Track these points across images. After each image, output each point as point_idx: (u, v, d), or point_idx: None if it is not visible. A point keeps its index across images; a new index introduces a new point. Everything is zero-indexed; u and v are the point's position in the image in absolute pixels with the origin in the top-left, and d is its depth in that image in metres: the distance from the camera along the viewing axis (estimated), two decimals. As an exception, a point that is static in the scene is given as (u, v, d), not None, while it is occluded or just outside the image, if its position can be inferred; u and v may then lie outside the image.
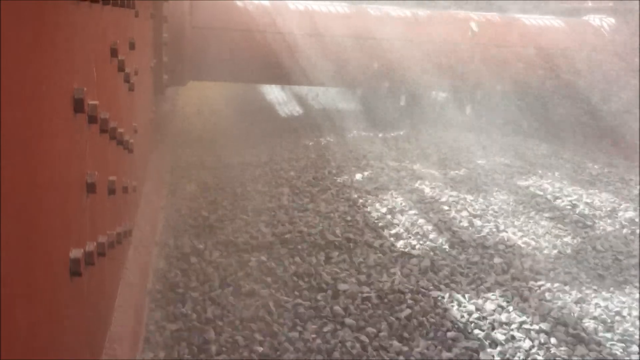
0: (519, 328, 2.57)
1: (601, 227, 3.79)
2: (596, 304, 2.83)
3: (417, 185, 4.30)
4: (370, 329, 2.50)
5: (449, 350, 2.41)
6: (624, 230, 3.75)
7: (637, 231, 3.76)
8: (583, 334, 2.54)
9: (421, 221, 3.63)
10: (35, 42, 0.96)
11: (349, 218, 3.63)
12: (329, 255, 3.16)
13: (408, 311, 2.64)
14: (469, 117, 6.17)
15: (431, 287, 2.88)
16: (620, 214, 4.04)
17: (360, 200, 3.95)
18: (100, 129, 1.59)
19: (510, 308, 2.73)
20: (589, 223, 3.84)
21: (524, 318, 2.64)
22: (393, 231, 3.49)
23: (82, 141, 1.36)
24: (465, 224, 3.66)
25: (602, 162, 5.41)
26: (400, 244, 3.33)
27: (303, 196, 4.00)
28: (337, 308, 2.64)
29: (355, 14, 5.92)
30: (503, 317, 2.65)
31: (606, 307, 2.81)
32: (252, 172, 4.48)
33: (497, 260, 3.21)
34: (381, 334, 2.48)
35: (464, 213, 3.82)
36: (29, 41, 0.92)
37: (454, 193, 4.18)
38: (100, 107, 1.51)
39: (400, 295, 2.77)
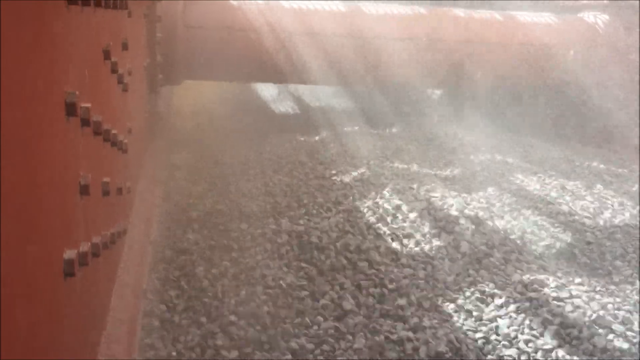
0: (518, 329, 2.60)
1: (595, 224, 3.82)
2: (590, 298, 2.86)
3: (410, 182, 4.32)
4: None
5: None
6: (618, 227, 3.77)
7: (634, 227, 3.80)
8: (576, 332, 2.57)
9: (416, 218, 3.66)
10: (26, 46, 0.97)
11: (343, 216, 3.65)
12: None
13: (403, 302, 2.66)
14: (463, 115, 6.18)
15: (425, 285, 2.90)
16: (614, 210, 4.07)
17: (353, 198, 3.97)
18: (94, 131, 1.60)
19: (511, 308, 2.75)
20: (583, 220, 3.87)
21: (523, 319, 2.67)
22: (387, 229, 3.51)
23: (75, 144, 1.37)
24: (458, 219, 3.68)
25: (596, 159, 5.44)
26: (394, 242, 3.35)
27: (297, 194, 4.01)
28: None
29: (348, 12, 5.93)
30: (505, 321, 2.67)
31: (600, 303, 2.84)
32: (246, 171, 4.49)
33: (493, 256, 3.23)
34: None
35: (459, 209, 3.84)
36: (21, 46, 0.93)
37: (448, 190, 4.20)
38: (94, 110, 1.52)
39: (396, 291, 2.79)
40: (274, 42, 5.58)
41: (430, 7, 6.35)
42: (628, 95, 6.02)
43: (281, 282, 2.86)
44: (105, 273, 1.92)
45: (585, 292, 2.92)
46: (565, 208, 4.05)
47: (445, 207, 3.87)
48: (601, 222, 3.85)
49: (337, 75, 5.74)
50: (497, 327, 2.58)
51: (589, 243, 3.52)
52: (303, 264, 3.05)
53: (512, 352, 2.43)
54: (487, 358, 2.39)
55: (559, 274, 3.09)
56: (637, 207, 4.13)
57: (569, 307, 2.75)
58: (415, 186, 4.21)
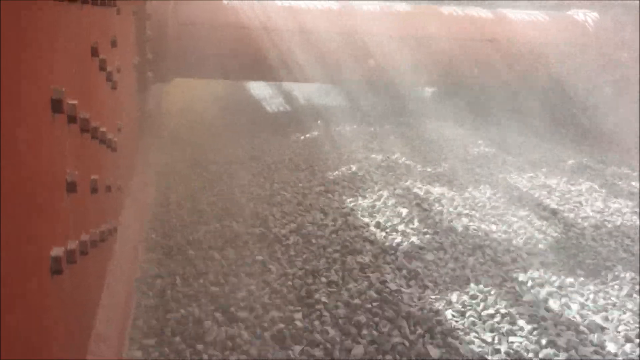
0: (502, 319, 2.61)
1: (585, 222, 3.84)
2: (579, 293, 2.88)
3: (402, 179, 4.33)
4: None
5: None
6: (609, 226, 3.80)
7: (624, 226, 3.82)
8: (566, 328, 2.58)
9: (407, 214, 3.66)
10: (11, 41, 0.96)
11: (335, 214, 3.65)
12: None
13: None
14: (452, 112, 6.20)
15: (413, 283, 2.91)
16: (604, 208, 4.10)
17: (345, 196, 3.97)
18: (81, 128, 1.59)
19: (493, 299, 2.76)
20: (572, 217, 3.89)
21: (506, 309, 2.68)
22: (377, 226, 3.51)
23: (61, 141, 1.36)
24: (450, 217, 3.69)
25: (585, 156, 5.47)
26: (386, 238, 3.36)
27: (289, 193, 4.01)
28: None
29: (341, 10, 5.93)
30: (489, 310, 2.68)
31: (589, 300, 2.85)
32: (238, 169, 4.48)
33: (483, 252, 3.24)
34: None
35: (449, 207, 3.85)
36: (5, 41, 0.92)
37: (439, 187, 4.22)
38: (81, 107, 1.51)
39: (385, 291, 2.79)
40: (266, 39, 5.57)
41: (422, 5, 6.36)
42: (618, 93, 6.06)
43: (276, 283, 2.86)
44: (94, 271, 1.91)
45: (575, 290, 2.94)
46: (554, 205, 4.07)
47: (436, 203, 3.89)
48: (591, 220, 3.87)
49: (329, 73, 5.74)
50: (483, 322, 2.59)
51: (578, 240, 3.54)
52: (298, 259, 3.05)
53: (503, 347, 2.44)
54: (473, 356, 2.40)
55: (548, 272, 3.10)
56: (628, 205, 4.16)
57: (558, 305, 2.77)
58: (406, 183, 4.23)
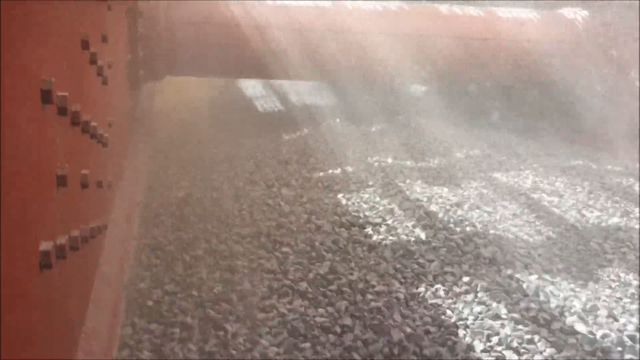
0: (493, 317, 2.61)
1: (576, 219, 3.85)
2: (571, 290, 2.88)
3: (393, 176, 4.33)
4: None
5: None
6: (603, 223, 3.81)
7: (614, 224, 3.84)
8: (559, 325, 2.59)
9: (398, 212, 3.66)
10: (0, 33, 0.94)
11: (326, 213, 3.64)
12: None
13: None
14: (445, 110, 6.21)
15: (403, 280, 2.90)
16: (595, 206, 4.12)
17: (339, 195, 3.96)
18: (72, 121, 1.57)
19: (485, 299, 2.76)
20: (563, 215, 3.91)
21: (500, 309, 2.68)
22: (371, 225, 3.51)
23: (51, 133, 1.34)
24: (442, 215, 3.69)
25: (576, 154, 5.50)
26: (378, 237, 3.35)
27: (280, 191, 4.00)
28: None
29: (333, 8, 5.92)
30: (479, 307, 2.68)
31: (580, 297, 2.86)
32: (229, 167, 4.47)
33: (474, 249, 3.24)
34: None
35: (442, 205, 3.85)
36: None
37: (432, 185, 4.22)
38: (71, 100, 1.49)
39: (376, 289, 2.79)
40: (258, 38, 5.55)
41: (415, 4, 6.37)
42: (609, 91, 6.09)
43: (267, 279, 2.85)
44: (84, 267, 1.89)
45: (565, 286, 2.95)
46: (546, 203, 4.08)
47: (428, 201, 3.89)
48: (582, 218, 3.88)
49: (322, 71, 5.73)
50: (474, 318, 2.59)
51: (569, 238, 3.55)
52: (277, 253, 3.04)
53: (495, 340, 2.44)
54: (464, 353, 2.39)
55: (539, 269, 3.11)
56: (620, 203, 4.19)
57: (548, 301, 2.77)
58: (398, 181, 4.23)
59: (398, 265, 3.02)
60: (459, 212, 3.76)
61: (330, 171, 4.45)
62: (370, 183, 4.21)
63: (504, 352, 2.39)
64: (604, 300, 2.82)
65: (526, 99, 6.28)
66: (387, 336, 2.41)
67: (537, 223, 3.72)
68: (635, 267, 3.20)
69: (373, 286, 2.80)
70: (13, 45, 1.02)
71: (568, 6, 6.53)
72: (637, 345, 2.46)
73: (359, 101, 6.27)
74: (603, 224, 3.77)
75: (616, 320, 2.64)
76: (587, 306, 2.73)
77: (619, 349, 2.44)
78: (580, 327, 2.56)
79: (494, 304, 2.69)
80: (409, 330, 2.47)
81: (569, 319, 2.62)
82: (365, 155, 4.91)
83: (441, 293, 2.78)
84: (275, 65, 5.53)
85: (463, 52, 5.99)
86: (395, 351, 2.35)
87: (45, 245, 1.21)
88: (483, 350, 2.39)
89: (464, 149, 5.30)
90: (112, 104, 2.79)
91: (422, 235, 3.38)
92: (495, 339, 2.45)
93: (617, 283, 3.02)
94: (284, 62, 5.52)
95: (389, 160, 4.76)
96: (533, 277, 2.98)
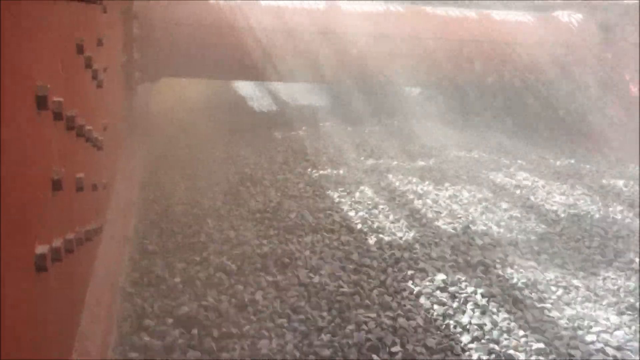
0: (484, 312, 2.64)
1: (567, 218, 3.88)
2: (565, 288, 2.91)
3: (387, 176, 4.36)
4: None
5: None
6: (595, 222, 3.84)
7: (604, 221, 3.87)
8: (553, 322, 2.62)
9: (392, 211, 3.69)
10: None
11: (319, 212, 3.66)
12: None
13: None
14: (439, 111, 6.24)
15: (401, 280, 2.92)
16: (586, 205, 4.15)
17: (333, 194, 3.98)
18: (67, 126, 1.58)
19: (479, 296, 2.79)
20: (554, 214, 3.94)
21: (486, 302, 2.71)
22: (364, 225, 3.53)
23: (47, 138, 1.36)
24: (433, 212, 3.72)
25: (570, 156, 5.54)
26: (373, 237, 3.37)
27: (274, 191, 4.01)
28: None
29: (327, 10, 5.94)
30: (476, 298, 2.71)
31: (573, 294, 2.89)
32: (223, 168, 4.48)
33: (468, 248, 3.27)
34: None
35: (434, 204, 3.88)
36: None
37: (424, 186, 4.25)
38: (67, 104, 1.51)
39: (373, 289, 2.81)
40: (253, 39, 5.57)
41: (408, 5, 6.39)
42: (602, 94, 6.13)
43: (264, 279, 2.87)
44: (80, 270, 1.90)
45: (557, 283, 2.98)
46: (536, 202, 4.12)
47: (421, 200, 3.92)
48: (574, 217, 3.91)
49: (316, 72, 5.75)
50: (469, 316, 2.61)
51: (559, 236, 3.59)
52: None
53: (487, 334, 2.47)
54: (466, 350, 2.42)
55: (531, 266, 3.14)
56: (613, 204, 4.22)
57: (541, 299, 2.80)
58: (391, 181, 4.25)
59: (388, 263, 3.04)
60: (451, 210, 3.79)
61: (322, 171, 4.47)
62: (364, 183, 4.23)
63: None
64: (599, 301, 2.85)
65: (520, 100, 6.31)
66: None
67: (530, 223, 3.75)
68: (630, 265, 3.24)
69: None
70: (9, 50, 1.04)
71: (563, 8, 6.57)
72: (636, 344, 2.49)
73: (353, 102, 6.29)
74: (597, 224, 3.80)
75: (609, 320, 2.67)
76: (582, 304, 2.77)
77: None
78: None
79: (485, 301, 2.72)
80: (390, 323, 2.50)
81: (555, 312, 2.66)
82: (358, 155, 4.93)
83: (435, 293, 2.81)
84: (271, 67, 5.55)
85: (457, 54, 6.02)
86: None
87: (41, 249, 1.23)
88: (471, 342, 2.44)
89: (457, 149, 5.33)
90: (107, 107, 2.80)
91: (415, 234, 3.40)
92: (480, 330, 2.48)
93: (610, 281, 3.05)
94: (279, 64, 5.54)
95: (383, 160, 4.79)
96: (522, 273, 3.00)
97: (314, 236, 3.34)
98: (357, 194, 4.01)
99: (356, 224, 3.54)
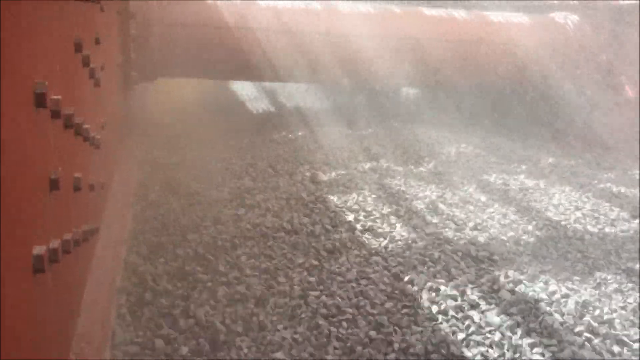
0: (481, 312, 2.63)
1: (563, 220, 3.88)
2: (562, 292, 2.91)
3: (385, 178, 4.35)
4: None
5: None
6: (589, 224, 3.85)
7: (598, 223, 3.87)
8: (549, 322, 2.61)
9: (390, 214, 3.68)
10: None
11: (318, 214, 3.65)
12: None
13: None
14: (437, 112, 6.24)
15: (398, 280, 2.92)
16: (587, 207, 4.15)
17: (330, 197, 3.97)
18: (65, 124, 1.56)
19: (475, 297, 2.78)
20: (550, 216, 3.94)
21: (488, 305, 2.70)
22: (363, 227, 3.52)
23: (45, 136, 1.34)
24: (432, 215, 3.71)
25: (565, 157, 5.54)
26: (371, 239, 3.36)
27: (271, 192, 4.00)
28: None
29: (324, 10, 5.94)
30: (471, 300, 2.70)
31: (569, 295, 2.89)
32: (221, 169, 4.46)
33: (466, 250, 3.26)
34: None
35: (432, 205, 3.88)
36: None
37: (422, 186, 4.24)
38: (64, 102, 1.49)
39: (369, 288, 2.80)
40: (250, 39, 5.55)
41: (405, 6, 6.39)
42: (598, 95, 6.14)
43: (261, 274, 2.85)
44: (77, 270, 1.88)
45: (552, 285, 2.97)
46: (534, 204, 4.12)
47: (420, 202, 3.91)
48: (570, 219, 3.91)
49: (313, 73, 5.74)
50: (468, 317, 2.61)
51: (555, 237, 3.59)
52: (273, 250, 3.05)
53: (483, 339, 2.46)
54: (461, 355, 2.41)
55: (527, 268, 3.13)
56: (607, 204, 4.23)
57: (538, 299, 2.80)
58: (390, 183, 4.24)
59: (387, 266, 3.03)
60: (449, 211, 3.79)
61: (321, 172, 4.46)
62: (363, 184, 4.22)
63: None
64: (596, 300, 2.85)
65: (517, 101, 6.32)
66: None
67: (525, 223, 3.75)
68: (629, 269, 3.24)
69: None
70: (7, 48, 1.02)
71: (558, 10, 6.59)
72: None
73: (350, 103, 6.29)
74: (590, 225, 3.81)
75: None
76: (579, 304, 2.76)
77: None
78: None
79: (480, 301, 2.71)
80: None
81: (556, 317, 2.65)
82: (356, 156, 4.92)
83: (433, 294, 2.80)
84: (268, 67, 5.54)
85: (454, 55, 6.02)
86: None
87: (38, 250, 1.21)
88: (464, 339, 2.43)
89: (455, 151, 5.32)
90: (104, 106, 2.78)
91: (414, 236, 3.39)
92: (473, 327, 2.48)
93: (608, 282, 3.05)
94: (276, 64, 5.53)
95: (381, 162, 4.78)
96: (520, 276, 3.00)
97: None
98: (356, 196, 4.00)
99: (353, 224, 3.53)
